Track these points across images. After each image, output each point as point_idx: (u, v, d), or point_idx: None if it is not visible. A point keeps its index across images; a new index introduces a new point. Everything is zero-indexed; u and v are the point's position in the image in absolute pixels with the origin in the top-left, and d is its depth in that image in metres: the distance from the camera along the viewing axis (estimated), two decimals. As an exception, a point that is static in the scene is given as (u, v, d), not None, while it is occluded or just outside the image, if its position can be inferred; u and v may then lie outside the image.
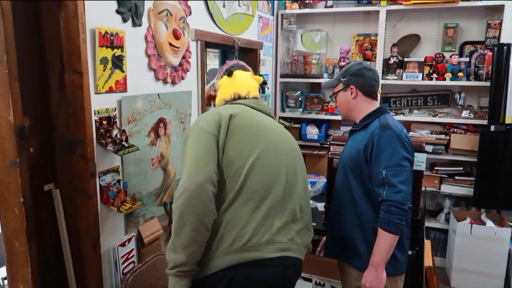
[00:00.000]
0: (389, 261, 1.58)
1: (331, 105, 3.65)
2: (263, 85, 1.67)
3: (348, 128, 2.15)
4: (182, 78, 2.19)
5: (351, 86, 1.75)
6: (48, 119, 1.59)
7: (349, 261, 1.71)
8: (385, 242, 1.54)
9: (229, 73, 1.61)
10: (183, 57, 2.17)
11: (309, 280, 2.33)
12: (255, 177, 1.29)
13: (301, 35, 3.74)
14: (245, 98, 1.52)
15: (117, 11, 1.70)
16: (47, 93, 1.58)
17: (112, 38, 1.65)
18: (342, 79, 1.77)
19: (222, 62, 3.04)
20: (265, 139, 1.37)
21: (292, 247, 1.32)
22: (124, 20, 1.74)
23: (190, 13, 2.21)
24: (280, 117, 3.78)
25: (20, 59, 1.42)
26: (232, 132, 1.32)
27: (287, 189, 1.36)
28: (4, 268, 1.58)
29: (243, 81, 1.59)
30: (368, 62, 3.43)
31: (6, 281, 1.71)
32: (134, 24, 1.80)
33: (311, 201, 2.59)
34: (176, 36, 2.04)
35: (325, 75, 3.58)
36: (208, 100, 2.58)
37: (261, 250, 1.24)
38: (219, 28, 2.59)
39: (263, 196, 1.29)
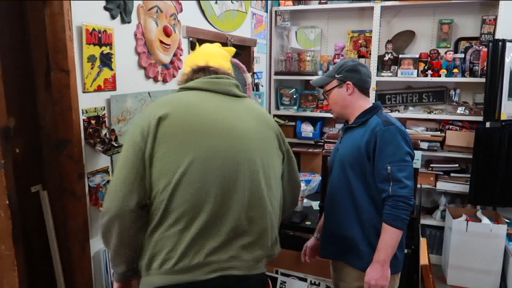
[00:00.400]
0: (371, 261, 1.57)
1: (325, 103, 3.62)
2: (235, 56, 1.52)
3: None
4: (173, 76, 2.15)
5: (348, 82, 1.71)
6: (34, 119, 1.55)
7: (349, 261, 1.68)
8: (391, 238, 1.53)
9: (192, 46, 1.49)
10: (174, 55, 2.13)
11: (304, 279, 2.30)
12: (182, 196, 1.14)
13: (296, 32, 3.71)
14: (204, 70, 1.31)
15: (105, 8, 1.65)
16: (33, 92, 1.54)
17: (100, 35, 1.61)
18: (336, 76, 1.73)
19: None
20: (199, 145, 1.17)
21: (235, 265, 1.19)
22: (113, 17, 1.70)
23: (181, 10, 2.17)
24: (275, 115, 3.75)
25: (4, 57, 1.37)
26: (160, 142, 1.15)
27: (225, 203, 1.18)
28: (-10, 272, 1.54)
29: (204, 50, 1.41)
30: (363, 59, 3.42)
31: (-7, 285, 1.67)
32: (123, 21, 1.76)
33: (305, 200, 2.58)
34: (167, 33, 2.00)
35: (320, 72, 3.54)
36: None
37: (192, 273, 1.14)
38: (211, 25, 2.55)
39: (193, 216, 1.15)
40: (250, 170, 1.22)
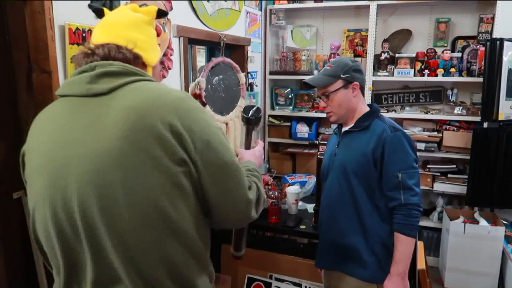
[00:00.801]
0: (375, 271, 1.56)
1: (322, 105, 3.55)
2: (160, 16, 1.08)
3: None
4: (164, 77, 2.08)
5: (355, 83, 1.63)
6: (16, 123, 1.49)
7: (350, 271, 1.63)
8: (408, 248, 1.51)
9: (98, 12, 1.10)
10: (164, 55, 2.05)
11: (299, 285, 2.25)
12: (44, 247, 0.96)
13: (291, 30, 3.65)
14: (92, 55, 0.94)
15: (90, 6, 1.59)
16: (14, 95, 1.48)
17: (84, 35, 1.55)
18: (342, 76, 1.62)
19: (209, 59, 2.94)
20: (35, 189, 0.91)
21: None
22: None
23: (172, 8, 2.11)
24: (270, 115, 3.70)
25: (-17, 58, 1.32)
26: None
27: (74, 254, 0.89)
28: None
29: (105, 20, 1.04)
30: (359, 58, 3.37)
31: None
32: (109, 20, 1.69)
33: (300, 202, 2.53)
34: (156, 32, 1.93)
35: (315, 71, 3.48)
36: (193, 99, 2.50)
37: None
38: (203, 24, 2.49)
39: (57, 270, 0.94)
40: (99, 209, 0.84)
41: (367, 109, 1.70)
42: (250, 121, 1.44)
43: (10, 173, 1.47)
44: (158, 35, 1.10)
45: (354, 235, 1.60)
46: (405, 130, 3.20)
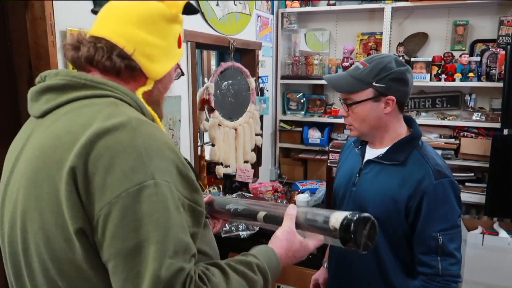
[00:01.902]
0: None
1: (334, 108, 3.48)
2: (188, 12, 0.90)
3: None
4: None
5: (390, 97, 1.23)
6: (17, 128, 1.46)
7: None
8: None
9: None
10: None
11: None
12: None
13: (305, 34, 3.60)
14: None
15: (93, 11, 1.57)
16: (16, 101, 1.46)
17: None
18: (375, 84, 1.22)
19: (218, 64, 2.90)
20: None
21: None
22: (102, 21, 1.61)
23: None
24: (281, 120, 3.63)
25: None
26: None
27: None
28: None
29: (106, 6, 0.86)
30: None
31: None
32: (113, 25, 1.67)
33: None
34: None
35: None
36: (201, 105, 2.46)
37: None
38: (212, 28, 2.45)
39: None
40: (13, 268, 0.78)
41: (405, 131, 1.31)
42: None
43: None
44: (179, 45, 0.90)
45: (371, 286, 1.32)
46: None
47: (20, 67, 1.43)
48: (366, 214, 0.85)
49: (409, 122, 1.34)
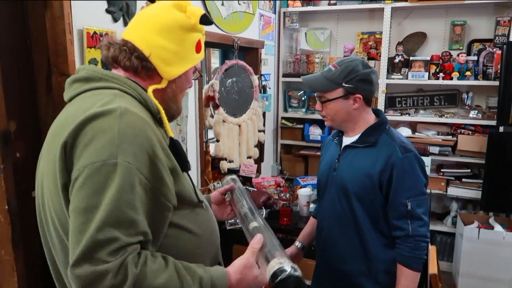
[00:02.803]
0: None
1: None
2: (204, 23, 0.98)
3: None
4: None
5: (357, 96, 1.43)
6: (35, 123, 1.54)
7: None
8: (412, 283, 1.38)
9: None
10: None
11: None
12: None
13: (306, 33, 3.67)
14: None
15: (107, 11, 1.64)
16: (35, 96, 1.53)
17: (101, 38, 1.59)
18: (344, 84, 1.41)
19: (222, 62, 2.97)
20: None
21: None
22: (115, 20, 1.68)
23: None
24: (283, 117, 3.71)
25: (5, 61, 1.37)
26: None
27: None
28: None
29: (137, 15, 1.05)
30: (372, 61, 3.36)
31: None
32: (126, 24, 1.73)
33: (312, 205, 2.53)
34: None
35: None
36: (206, 101, 2.54)
37: None
38: (218, 27, 2.52)
39: None
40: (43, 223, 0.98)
41: (373, 119, 1.51)
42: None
43: (29, 172, 1.52)
44: (197, 50, 1.00)
45: (356, 262, 1.48)
46: (419, 134, 3.25)
47: (39, 64, 1.49)
48: (296, 273, 0.88)
49: (376, 112, 1.54)
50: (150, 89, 0.95)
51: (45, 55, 1.48)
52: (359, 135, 1.49)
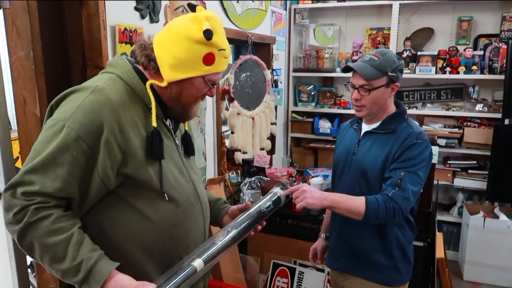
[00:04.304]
0: (391, 274, 1.56)
1: (343, 99, 3.66)
2: (206, 38, 1.03)
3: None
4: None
5: (397, 84, 1.53)
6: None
7: (365, 274, 1.60)
8: (350, 208, 1.44)
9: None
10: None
11: (322, 270, 2.37)
12: None
13: (314, 29, 3.76)
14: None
15: (136, 8, 1.75)
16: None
17: (131, 34, 1.71)
18: (390, 74, 1.49)
19: (236, 57, 3.08)
20: None
21: None
22: (142, 17, 1.80)
23: (205, 9, 2.26)
24: (293, 111, 3.82)
25: (45, 55, 1.49)
26: None
27: None
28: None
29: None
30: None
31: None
32: (152, 21, 1.85)
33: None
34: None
35: (338, 69, 3.59)
36: (221, 95, 2.65)
37: None
38: (233, 23, 2.64)
39: None
40: None
41: (394, 109, 1.60)
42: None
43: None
44: (207, 62, 1.07)
45: (371, 239, 1.56)
46: (426, 127, 3.34)
47: (75, 57, 1.61)
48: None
49: (396, 103, 1.62)
50: (148, 82, 1.09)
51: (81, 50, 1.60)
52: (379, 122, 1.58)
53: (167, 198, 1.10)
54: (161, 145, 1.08)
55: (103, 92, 1.02)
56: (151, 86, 1.10)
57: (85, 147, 0.98)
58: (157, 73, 1.09)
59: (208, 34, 1.02)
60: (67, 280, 0.96)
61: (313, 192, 1.45)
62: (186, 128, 1.27)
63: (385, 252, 1.56)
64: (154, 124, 1.07)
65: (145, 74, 1.11)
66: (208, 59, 1.07)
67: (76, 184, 0.98)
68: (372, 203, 1.42)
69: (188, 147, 1.25)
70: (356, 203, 1.44)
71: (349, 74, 1.56)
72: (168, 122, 1.17)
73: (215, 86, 1.16)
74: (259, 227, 1.31)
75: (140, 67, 1.11)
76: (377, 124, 1.58)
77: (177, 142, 1.19)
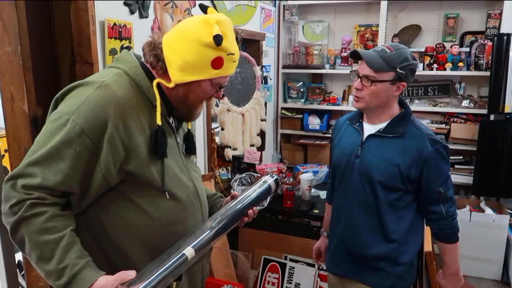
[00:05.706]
0: (396, 281, 1.54)
1: (333, 96, 3.69)
2: (216, 43, 1.02)
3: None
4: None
5: (404, 83, 1.44)
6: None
7: (368, 281, 1.55)
8: (456, 252, 1.57)
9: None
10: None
11: (312, 265, 2.39)
12: None
13: (303, 26, 3.77)
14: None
15: (125, 3, 1.74)
16: (59, 84, 1.62)
17: (120, 29, 1.69)
18: (398, 70, 1.40)
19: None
20: None
21: None
22: (132, 12, 1.78)
23: (195, 5, 2.25)
24: (283, 108, 3.83)
25: (33, 51, 1.46)
26: None
27: None
28: (20, 253, 1.63)
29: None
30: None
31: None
32: (141, 16, 1.84)
33: (313, 189, 2.67)
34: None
35: (327, 66, 3.62)
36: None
37: None
38: (223, 19, 2.62)
39: None
40: None
41: (397, 110, 1.51)
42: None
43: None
44: (215, 66, 1.06)
45: (377, 247, 1.51)
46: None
47: (63, 53, 1.59)
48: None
49: (401, 102, 1.55)
50: (155, 81, 1.08)
51: (69, 45, 1.58)
52: (384, 124, 1.49)
53: (168, 196, 1.11)
54: (165, 144, 1.08)
55: (109, 88, 1.01)
56: (158, 84, 1.09)
57: (89, 142, 0.97)
58: (165, 73, 1.08)
59: (218, 40, 1.01)
60: (50, 282, 0.94)
61: (453, 282, 1.60)
62: (190, 127, 1.26)
63: (390, 260, 1.52)
64: (159, 122, 1.07)
65: (153, 73, 1.11)
66: (217, 63, 1.06)
67: (78, 179, 0.97)
68: (453, 239, 1.54)
69: (189, 146, 1.25)
70: (455, 250, 1.57)
71: (339, 71, 1.56)
72: (171, 120, 1.16)
73: (222, 89, 1.15)
74: (251, 214, 1.25)
75: (148, 65, 1.11)
76: (381, 125, 1.50)
77: (178, 140, 1.19)
